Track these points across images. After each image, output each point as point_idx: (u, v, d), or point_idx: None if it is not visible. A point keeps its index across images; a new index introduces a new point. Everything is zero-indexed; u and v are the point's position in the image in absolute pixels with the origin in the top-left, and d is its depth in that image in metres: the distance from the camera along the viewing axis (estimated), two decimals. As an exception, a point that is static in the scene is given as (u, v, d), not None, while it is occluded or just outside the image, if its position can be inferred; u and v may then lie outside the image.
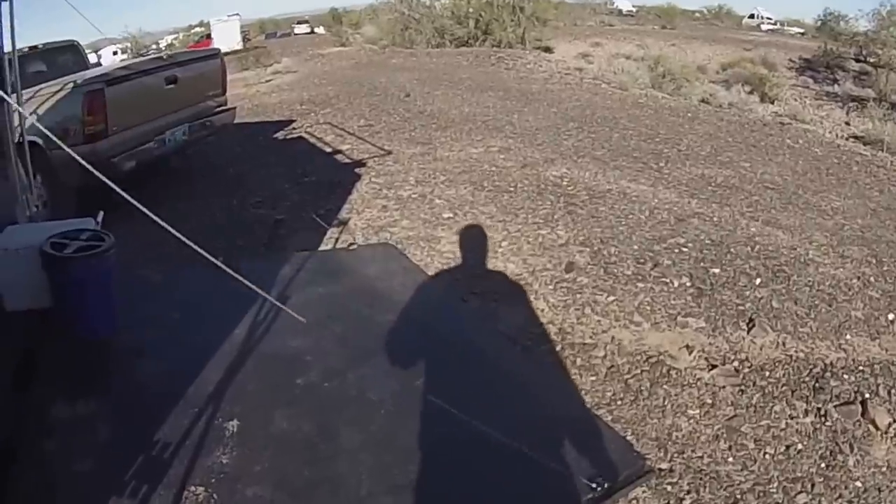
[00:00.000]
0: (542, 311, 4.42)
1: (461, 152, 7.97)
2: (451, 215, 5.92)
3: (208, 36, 42.27)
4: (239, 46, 37.50)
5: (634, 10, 62.05)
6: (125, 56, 37.16)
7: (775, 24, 54.24)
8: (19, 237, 4.18)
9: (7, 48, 4.67)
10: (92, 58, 39.20)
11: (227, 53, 31.36)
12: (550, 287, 4.68)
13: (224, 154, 9.14)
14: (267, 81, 17.61)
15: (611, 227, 5.57)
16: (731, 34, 42.15)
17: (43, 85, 6.98)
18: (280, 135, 10.17)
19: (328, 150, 8.81)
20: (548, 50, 21.55)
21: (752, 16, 58.15)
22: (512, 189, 6.50)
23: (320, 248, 5.54)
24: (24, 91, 7.27)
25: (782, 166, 8.00)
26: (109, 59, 35.79)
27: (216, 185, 7.61)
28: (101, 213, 4.62)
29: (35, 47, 8.51)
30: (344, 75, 16.02)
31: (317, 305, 4.35)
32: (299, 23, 56.75)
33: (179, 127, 7.32)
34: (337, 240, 5.71)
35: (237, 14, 41.93)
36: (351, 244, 5.51)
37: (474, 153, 7.88)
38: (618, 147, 8.32)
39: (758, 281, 4.74)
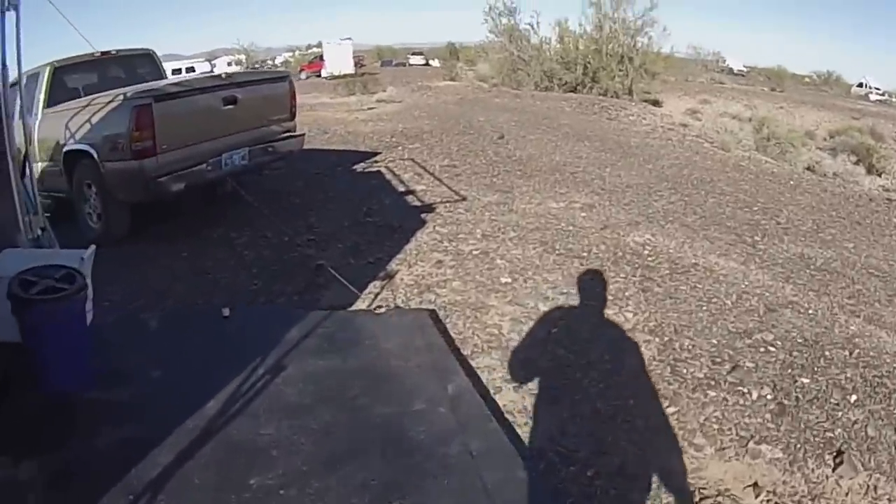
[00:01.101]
0: (582, 418, 3.70)
1: (540, 205, 7.33)
2: (510, 280, 5.27)
3: (321, 58, 43.09)
4: (350, 71, 37.95)
5: (745, 69, 60.72)
6: (238, 67, 38.31)
7: (883, 94, 51.69)
8: (6, 264, 3.84)
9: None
10: (203, 67, 40.81)
11: (337, 77, 32.01)
12: (601, 385, 3.95)
13: (293, 182, 8.86)
14: (368, 109, 17.50)
15: (689, 313, 4.79)
16: (840, 101, 39.98)
17: (96, 95, 6.84)
18: (360, 167, 9.82)
19: (401, 188, 8.36)
20: (655, 103, 20.62)
21: (860, 84, 55.88)
22: (585, 255, 5.80)
23: (353, 307, 4.98)
24: (77, 100, 7.21)
25: (889, 249, 7.02)
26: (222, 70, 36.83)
27: (274, 214, 7.26)
28: (93, 248, 4.23)
29: (108, 52, 8.44)
30: (445, 110, 15.70)
31: (311, 382, 3.81)
32: (415, 54, 57.43)
33: (238, 151, 6.98)
34: (376, 296, 5.17)
35: (349, 38, 42.57)
36: (379, 307, 4.88)
37: (554, 208, 7.22)
38: (711, 214, 7.49)
39: (853, 398, 3.88)
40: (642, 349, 4.29)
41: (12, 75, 4.46)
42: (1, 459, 3.12)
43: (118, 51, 8.54)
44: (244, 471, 3.06)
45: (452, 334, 4.51)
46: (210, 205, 7.70)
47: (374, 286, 5.34)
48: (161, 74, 8.89)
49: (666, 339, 4.44)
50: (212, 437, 3.29)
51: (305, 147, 11.75)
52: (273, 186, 8.87)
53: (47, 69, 7.69)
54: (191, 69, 38.79)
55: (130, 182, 6.39)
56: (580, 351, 4.23)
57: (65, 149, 6.94)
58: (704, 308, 4.90)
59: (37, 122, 7.50)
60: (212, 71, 32.18)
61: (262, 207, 7.72)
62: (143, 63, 8.79)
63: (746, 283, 5.44)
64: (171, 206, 7.07)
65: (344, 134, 13.12)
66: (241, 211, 7.39)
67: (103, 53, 8.30)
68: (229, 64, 43.48)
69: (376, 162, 10.06)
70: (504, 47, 23.92)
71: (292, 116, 7.89)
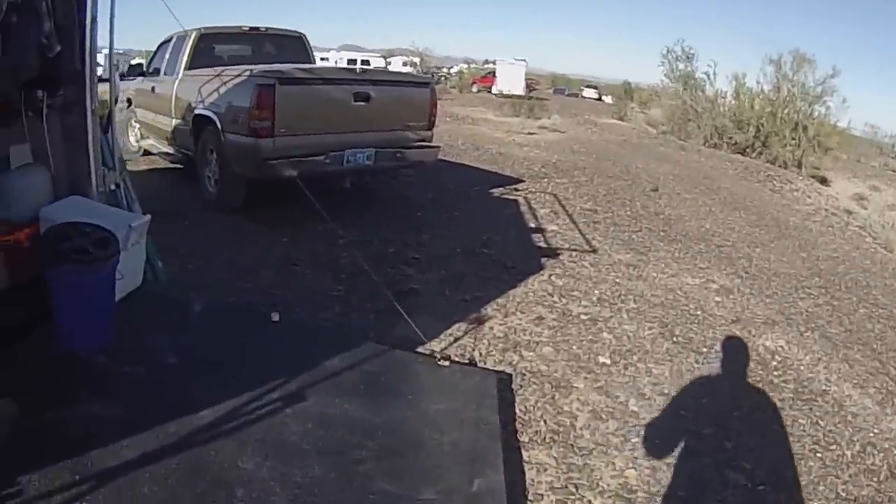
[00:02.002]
0: None
1: (673, 277, 6.48)
2: (609, 362, 4.52)
3: (493, 74, 42.92)
4: (520, 92, 37.54)
5: (928, 160, 54.30)
6: (411, 69, 38.79)
7: None
8: (63, 212, 3.91)
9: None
10: (379, 62, 41.50)
11: (506, 96, 31.92)
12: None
13: (423, 193, 8.52)
14: (528, 133, 17.10)
15: (800, 458, 3.79)
16: None
17: (229, 68, 6.77)
18: (498, 191, 9.35)
19: (531, 224, 7.78)
20: (823, 181, 18.78)
21: None
22: (705, 350, 4.91)
23: (422, 347, 4.36)
24: (213, 68, 7.18)
25: None
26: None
27: (387, 225, 6.91)
28: (147, 218, 4.30)
29: (257, 28, 8.46)
30: (604, 149, 15.02)
31: (323, 426, 3.22)
32: (589, 86, 56.38)
33: (364, 150, 6.71)
34: (454, 341, 4.58)
35: (524, 60, 42.16)
36: (445, 358, 4.16)
37: (688, 284, 6.35)
38: (858, 328, 6.22)
39: None
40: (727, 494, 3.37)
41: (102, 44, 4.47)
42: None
43: (267, 28, 8.59)
44: (196, 499, 2.65)
45: (517, 410, 3.83)
46: (328, 198, 7.49)
47: (457, 328, 4.77)
48: (309, 59, 8.82)
49: (759, 487, 3.46)
50: (185, 451, 2.92)
51: (452, 160, 11.56)
52: (400, 193, 8.58)
53: (194, 34, 7.84)
54: (366, 62, 39.83)
55: (244, 158, 6.34)
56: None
57: (194, 112, 7.03)
58: (819, 455, 3.87)
59: (176, 82, 7.65)
60: (385, 69, 32.81)
61: (380, 213, 7.45)
62: (291, 44, 8.79)
63: (877, 430, 4.30)
64: (290, 190, 6.93)
65: (495, 154, 12.77)
66: (357, 211, 7.12)
67: (252, 29, 8.37)
68: (404, 64, 44.12)
69: (517, 190, 9.57)
70: (677, 94, 22.67)
71: (430, 126, 7.56)
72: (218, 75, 6.80)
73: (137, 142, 9.55)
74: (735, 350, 5.03)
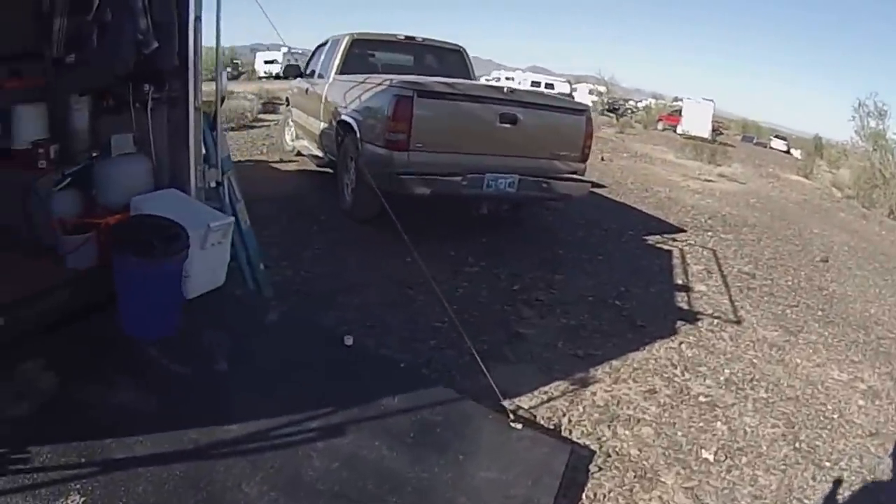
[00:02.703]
0: None
1: (818, 367, 5.48)
2: (712, 459, 3.77)
3: (679, 112, 40.79)
4: (704, 135, 35.36)
5: None
6: (594, 98, 37.69)
7: None
8: (152, 203, 3.92)
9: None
10: (562, 87, 40.67)
11: (690, 138, 30.29)
12: None
13: (572, 230, 8.02)
14: (704, 180, 16.02)
15: None
16: None
17: (373, 76, 6.61)
18: (653, 239, 8.61)
19: (678, 281, 7.01)
20: None
21: None
22: (827, 464, 3.99)
23: (507, 401, 3.83)
24: (361, 75, 7.01)
25: None
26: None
27: (521, 259, 6.44)
28: (230, 220, 4.17)
29: (412, 38, 8.23)
30: (781, 208, 13.74)
31: (349, 468, 2.86)
32: (778, 137, 52.35)
33: (507, 176, 6.23)
34: (548, 400, 4.05)
35: (712, 101, 39.57)
36: (517, 420, 3.53)
37: (832, 378, 5.32)
38: None
39: None
40: None
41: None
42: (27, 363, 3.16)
43: (424, 39, 8.35)
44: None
45: (583, 497, 3.24)
46: (468, 221, 7.13)
47: (556, 387, 4.24)
48: (468, 74, 8.50)
49: None
50: (195, 460, 2.75)
51: (615, 199, 10.94)
52: (548, 226, 8.08)
53: (346, 38, 7.78)
54: (550, 86, 39.27)
55: (377, 169, 6.04)
56: None
57: (339, 117, 6.89)
58: None
59: (327, 85, 7.61)
60: (571, 95, 32.07)
61: (519, 244, 6.99)
62: (449, 57, 8.51)
63: None
64: (432, 208, 6.62)
65: (664, 198, 11.97)
66: (495, 239, 6.72)
67: (407, 38, 8.19)
68: (590, 93, 43.15)
69: (675, 240, 8.78)
70: (867, 155, 20.20)
71: (583, 158, 6.92)
72: (363, 82, 6.68)
73: (292, 141, 9.74)
74: (863, 471, 4.06)
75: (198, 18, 4.09)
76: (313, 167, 8.89)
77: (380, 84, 6.29)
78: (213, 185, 4.49)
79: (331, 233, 6.57)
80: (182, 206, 4.02)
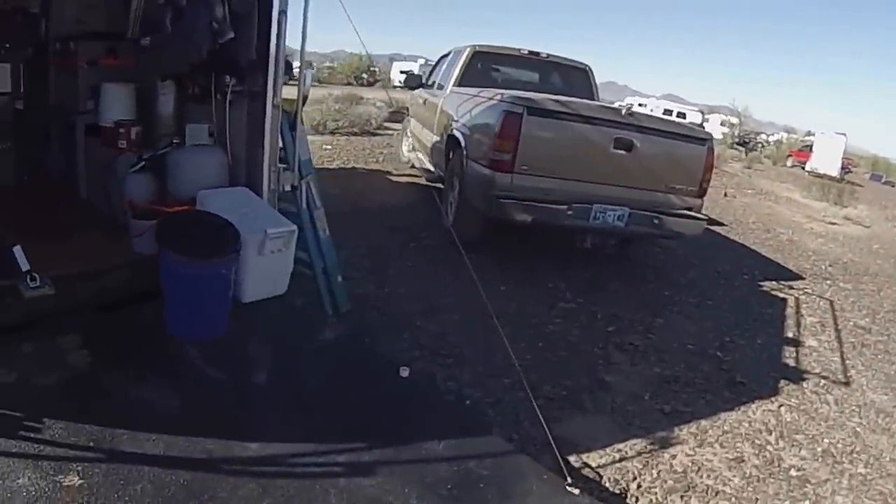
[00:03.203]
0: None
1: None
2: None
3: (810, 148, 37.95)
4: (833, 173, 32.70)
5: None
6: (726, 129, 35.72)
7: None
8: (218, 199, 3.80)
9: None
10: (694, 117, 38.83)
11: (819, 176, 28.22)
12: None
13: (679, 270, 7.32)
14: (829, 223, 14.73)
15: None
16: None
17: (486, 90, 6.24)
18: (767, 286, 7.75)
19: (789, 334, 6.14)
20: None
21: None
22: None
23: (574, 457, 3.38)
24: (474, 89, 6.65)
25: None
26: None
27: (622, 298, 5.87)
28: (293, 228, 3.90)
29: (536, 53, 7.79)
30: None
31: None
32: (906, 176, 48.25)
33: (617, 209, 5.62)
34: (619, 460, 3.52)
35: (844, 135, 36.55)
36: (573, 484, 2.92)
37: None
38: None
39: None
40: None
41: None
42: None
43: (549, 55, 7.88)
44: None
45: None
46: (570, 252, 6.61)
47: (631, 445, 3.71)
48: (592, 94, 7.96)
49: None
50: (203, 472, 2.54)
51: (734, 239, 10.14)
52: (656, 264, 7.46)
53: (468, 50, 7.43)
54: (682, 115, 37.66)
55: (478, 190, 5.67)
56: None
57: (449, 131, 6.54)
58: None
59: (443, 97, 7.31)
60: (701, 125, 30.47)
61: (621, 280, 6.42)
62: (573, 76, 7.99)
63: None
64: (537, 235, 6.13)
65: (785, 241, 10.99)
66: (597, 273, 6.19)
67: (531, 53, 7.75)
68: (722, 124, 40.98)
69: (791, 287, 7.93)
70: None
71: (700, 193, 6.14)
72: (476, 95, 6.31)
73: (409, 153, 9.50)
74: None
75: (282, 13, 3.88)
76: (424, 181, 8.60)
77: (490, 98, 5.89)
78: (287, 188, 4.24)
79: (427, 251, 6.24)
80: (248, 206, 3.84)
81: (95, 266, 3.61)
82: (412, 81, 9.43)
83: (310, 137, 11.30)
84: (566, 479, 2.98)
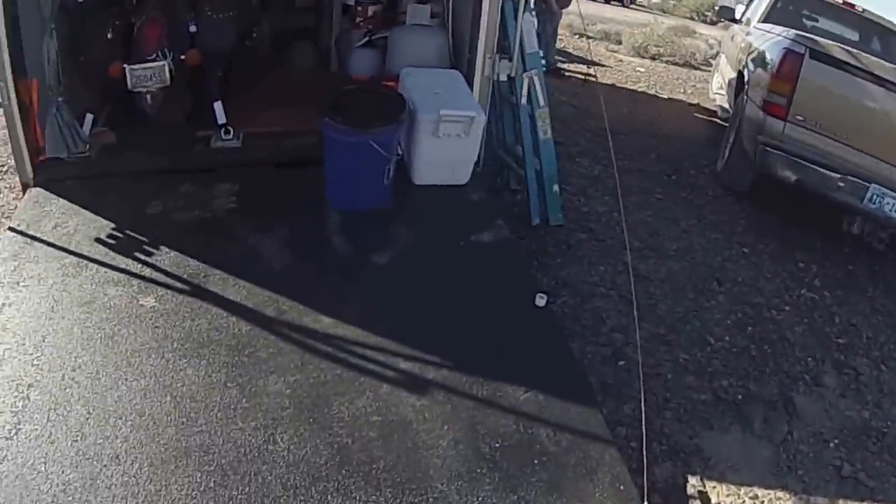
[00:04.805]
0: None
1: None
2: None
3: None
4: None
5: None
6: None
7: None
8: (417, 78, 3.64)
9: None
10: None
11: None
12: None
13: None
14: None
15: None
16: None
17: (777, 27, 5.53)
18: None
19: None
20: None
21: None
22: None
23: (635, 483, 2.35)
24: (774, 26, 5.80)
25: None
26: None
27: (880, 305, 4.50)
28: (473, 113, 3.46)
29: (851, 5, 6.39)
30: None
31: (368, 424, 2.18)
32: None
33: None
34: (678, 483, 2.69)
35: None
36: None
37: None
38: None
39: None
40: None
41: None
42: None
43: (864, 10, 6.47)
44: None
45: None
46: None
47: (772, 496, 2.75)
48: None
49: None
50: (263, 328, 2.47)
51: None
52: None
53: None
54: None
55: (748, 133, 5.04)
56: None
57: (740, 67, 5.86)
58: None
59: (746, 33, 6.46)
60: None
61: (884, 290, 4.93)
62: None
63: None
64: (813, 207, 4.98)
65: None
66: (861, 269, 4.79)
67: (845, 3, 6.43)
68: None
69: None
70: None
71: None
72: (768, 31, 5.54)
73: (715, 92, 8.48)
74: None
75: None
76: (719, 120, 7.76)
77: (778, 35, 5.10)
78: (503, 77, 3.90)
79: (684, 189, 5.48)
80: (447, 88, 3.55)
81: (292, 129, 3.69)
82: (726, 14, 8.34)
83: (627, 58, 10.72)
84: (643, 501, 2.22)
